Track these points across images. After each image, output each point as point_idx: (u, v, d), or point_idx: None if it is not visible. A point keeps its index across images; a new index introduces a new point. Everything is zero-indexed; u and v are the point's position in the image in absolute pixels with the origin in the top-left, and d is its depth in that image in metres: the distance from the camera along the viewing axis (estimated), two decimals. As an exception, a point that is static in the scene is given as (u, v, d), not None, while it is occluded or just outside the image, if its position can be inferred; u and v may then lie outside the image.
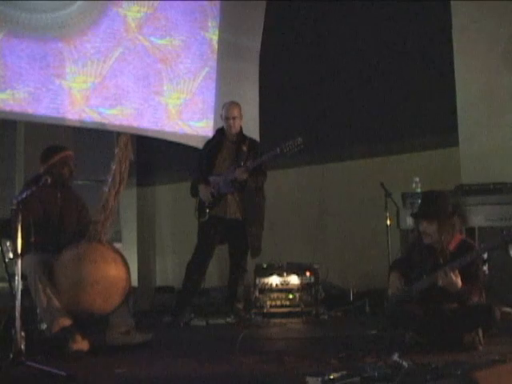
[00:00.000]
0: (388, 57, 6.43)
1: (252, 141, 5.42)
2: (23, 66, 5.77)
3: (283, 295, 5.46)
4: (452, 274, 3.56)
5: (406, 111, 6.25)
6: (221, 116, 5.45)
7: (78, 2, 6.09)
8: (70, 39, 6.02)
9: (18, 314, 3.34)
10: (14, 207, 3.44)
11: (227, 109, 5.35)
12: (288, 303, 5.44)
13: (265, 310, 5.40)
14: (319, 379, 2.73)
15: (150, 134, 6.76)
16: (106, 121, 6.28)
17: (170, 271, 7.65)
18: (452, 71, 5.74)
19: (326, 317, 5.23)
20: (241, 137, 5.36)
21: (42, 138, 6.31)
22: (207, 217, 5.22)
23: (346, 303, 5.53)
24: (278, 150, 5.07)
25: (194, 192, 5.33)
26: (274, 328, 4.95)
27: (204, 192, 5.23)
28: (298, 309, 5.40)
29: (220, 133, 5.46)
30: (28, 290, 3.83)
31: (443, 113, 5.95)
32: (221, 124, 5.48)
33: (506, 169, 5.33)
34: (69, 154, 4.31)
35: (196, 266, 5.23)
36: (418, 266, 3.83)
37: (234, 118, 5.29)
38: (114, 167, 3.93)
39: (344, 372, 2.82)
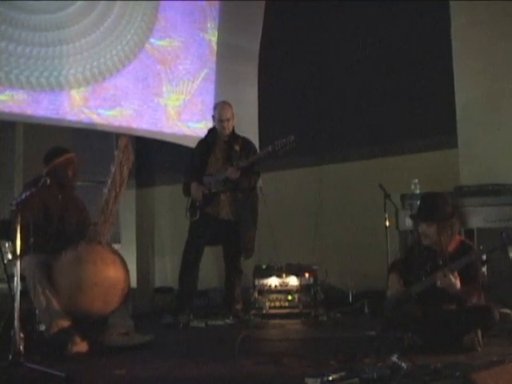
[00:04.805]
0: (387, 58, 6.44)
1: (245, 140, 5.40)
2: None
3: (282, 296, 5.47)
4: (451, 276, 3.56)
5: (405, 112, 6.25)
6: (213, 117, 5.42)
7: (78, 3, 6.10)
8: (70, 40, 6.02)
9: (16, 315, 3.33)
10: (14, 208, 3.44)
11: (221, 111, 5.31)
12: (287, 304, 5.45)
13: (264, 311, 5.41)
14: (318, 380, 2.73)
15: (148, 135, 6.76)
16: (105, 122, 6.28)
17: (168, 272, 7.64)
18: (451, 72, 5.74)
19: (324, 318, 5.23)
20: (233, 136, 5.35)
21: (41, 139, 6.31)
22: (198, 216, 5.22)
23: (345, 304, 5.54)
24: (270, 148, 5.07)
25: (187, 192, 5.33)
26: (273, 329, 4.95)
27: (196, 192, 5.22)
28: (296, 310, 5.40)
29: (212, 133, 5.44)
30: (27, 291, 3.83)
31: (442, 114, 5.96)
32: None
33: (504, 170, 5.33)
34: (72, 156, 4.31)
35: (186, 264, 5.24)
36: (417, 268, 3.83)
37: (228, 120, 5.29)
38: (113, 169, 3.94)
39: (343, 373, 2.81)
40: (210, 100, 6.98)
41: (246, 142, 5.38)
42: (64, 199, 4.28)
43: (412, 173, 5.60)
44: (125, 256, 4.24)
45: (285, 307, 5.44)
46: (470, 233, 4.89)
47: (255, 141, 5.95)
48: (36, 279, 3.82)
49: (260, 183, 5.48)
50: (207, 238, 5.27)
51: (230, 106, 5.37)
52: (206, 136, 5.50)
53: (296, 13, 6.99)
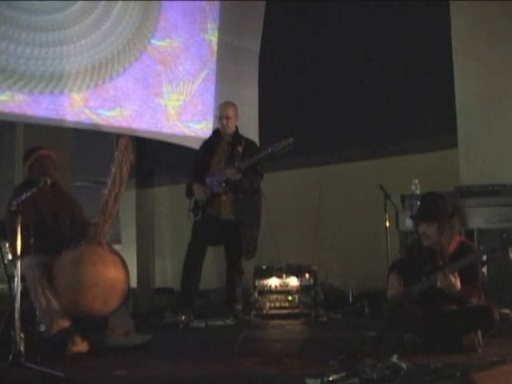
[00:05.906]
0: (387, 58, 6.44)
1: (248, 141, 5.41)
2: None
3: (282, 297, 5.47)
4: (451, 276, 3.56)
5: (405, 113, 6.25)
6: (216, 116, 5.46)
7: (78, 3, 6.10)
8: (70, 41, 6.02)
9: (17, 315, 3.34)
10: (14, 209, 3.43)
11: (222, 108, 5.38)
12: (287, 305, 5.45)
13: (264, 312, 5.41)
14: (318, 380, 2.73)
15: (149, 136, 6.76)
16: (105, 122, 6.27)
17: (169, 273, 7.65)
18: (451, 72, 5.75)
19: (325, 318, 5.22)
20: (236, 137, 5.36)
21: (41, 139, 6.31)
22: (200, 216, 5.23)
23: (346, 305, 5.54)
24: (270, 149, 5.09)
25: (189, 192, 5.34)
26: (274, 329, 4.96)
27: (198, 192, 5.24)
28: (297, 310, 5.40)
29: (216, 133, 5.47)
30: (27, 291, 3.83)
31: (442, 114, 5.96)
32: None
33: (504, 170, 5.33)
34: (43, 153, 4.27)
35: (189, 265, 5.25)
36: (417, 268, 3.82)
37: (227, 118, 5.30)
38: (113, 170, 3.94)
39: (343, 373, 2.82)
40: (210, 101, 6.98)
41: (249, 143, 5.39)
42: (54, 198, 4.27)
43: (412, 173, 5.60)
44: (125, 256, 4.24)
45: (285, 308, 5.44)
46: (470, 233, 4.89)
47: (255, 141, 5.95)
48: (36, 280, 3.82)
49: (260, 184, 5.48)
50: (209, 239, 5.29)
51: (233, 105, 5.40)
52: (210, 137, 5.55)
53: (296, 13, 6.99)
